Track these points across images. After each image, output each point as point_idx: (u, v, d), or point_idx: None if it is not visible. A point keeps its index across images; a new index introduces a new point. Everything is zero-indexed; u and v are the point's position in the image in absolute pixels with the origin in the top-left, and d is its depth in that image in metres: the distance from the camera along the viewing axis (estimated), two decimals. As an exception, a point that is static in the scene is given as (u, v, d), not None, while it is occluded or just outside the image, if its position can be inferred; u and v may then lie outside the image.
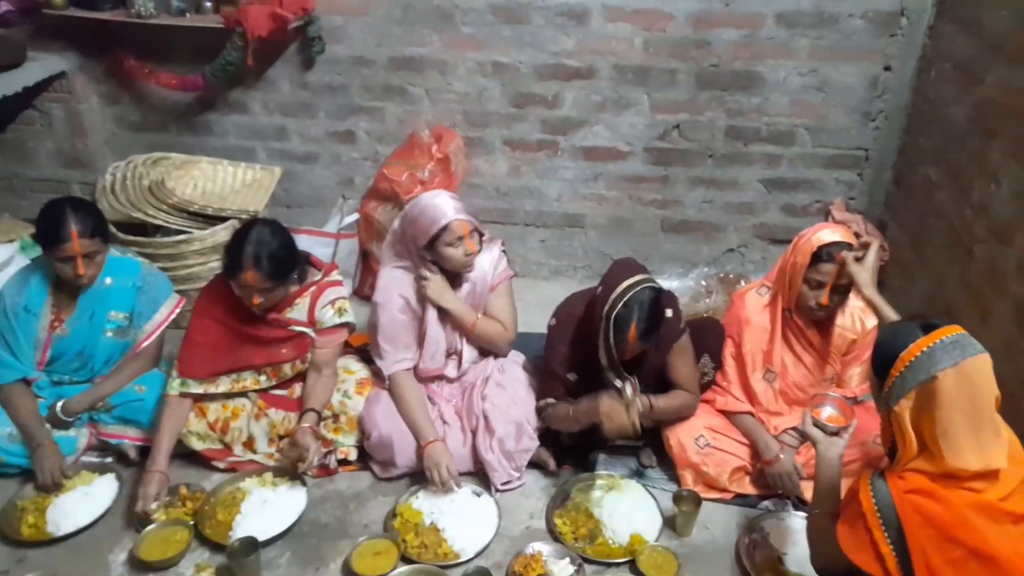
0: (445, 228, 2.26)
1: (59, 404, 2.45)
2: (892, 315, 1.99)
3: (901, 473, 1.48)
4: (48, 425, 2.45)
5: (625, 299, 2.08)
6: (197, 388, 2.33)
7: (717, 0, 3.02)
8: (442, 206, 2.28)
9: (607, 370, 2.18)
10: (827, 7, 2.97)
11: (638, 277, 2.11)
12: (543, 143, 3.41)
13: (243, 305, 2.31)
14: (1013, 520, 1.42)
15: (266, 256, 2.19)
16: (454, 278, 2.42)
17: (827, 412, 1.94)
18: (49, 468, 2.31)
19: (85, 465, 2.48)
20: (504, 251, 2.53)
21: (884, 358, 1.51)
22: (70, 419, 2.47)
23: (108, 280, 2.46)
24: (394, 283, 2.42)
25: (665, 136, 3.32)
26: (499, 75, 3.29)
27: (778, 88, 3.14)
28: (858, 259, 2.10)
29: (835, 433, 1.87)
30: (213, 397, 2.42)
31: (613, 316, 2.09)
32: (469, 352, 2.52)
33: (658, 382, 2.33)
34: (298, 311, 2.39)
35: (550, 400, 2.37)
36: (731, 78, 3.16)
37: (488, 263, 2.46)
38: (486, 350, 2.56)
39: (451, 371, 2.53)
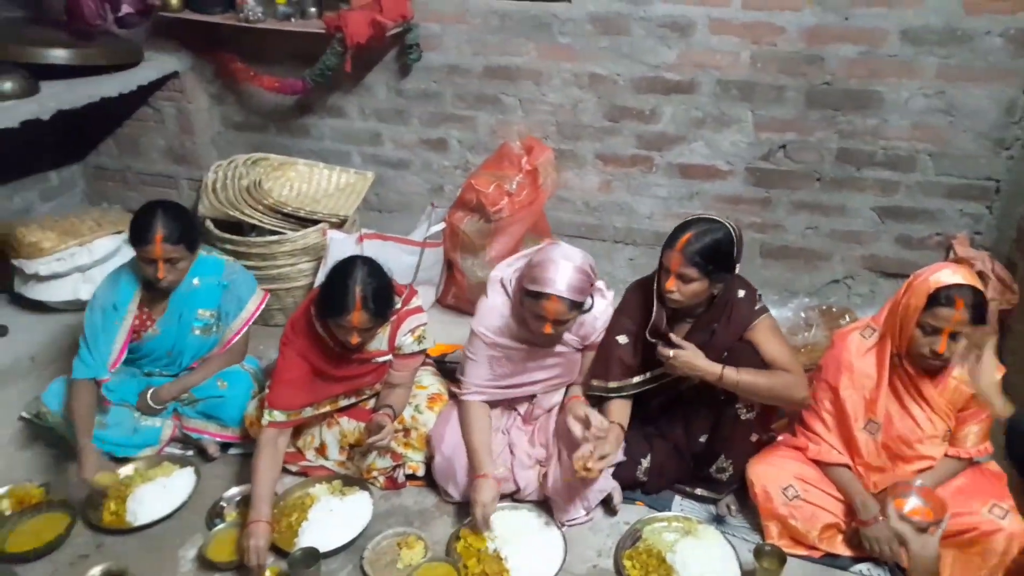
0: (537, 297, 2.08)
1: (150, 391, 2.54)
2: None
3: None
4: (136, 413, 2.54)
5: (691, 218, 2.12)
6: (281, 417, 2.29)
7: (834, 14, 2.81)
8: (554, 277, 2.05)
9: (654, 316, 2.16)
10: (960, 24, 2.70)
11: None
12: (637, 158, 3.28)
13: (326, 343, 2.30)
14: None
15: (371, 297, 2.15)
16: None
17: (912, 503, 1.74)
18: (91, 464, 2.27)
19: (167, 457, 2.56)
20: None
21: None
22: (159, 407, 2.55)
23: (195, 281, 2.52)
24: (493, 314, 2.28)
25: (769, 156, 3.12)
26: (595, 87, 3.19)
27: (898, 109, 2.90)
28: None
29: (925, 529, 1.66)
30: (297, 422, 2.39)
31: (674, 228, 2.11)
32: (544, 400, 2.43)
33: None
34: (379, 340, 2.35)
35: (579, 397, 2.30)
36: (845, 97, 2.93)
37: (601, 319, 2.31)
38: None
39: (522, 409, 2.45)
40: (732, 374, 2.09)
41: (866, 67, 2.86)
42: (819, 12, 2.82)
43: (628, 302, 2.33)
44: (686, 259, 2.05)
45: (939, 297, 1.96)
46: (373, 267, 2.21)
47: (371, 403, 2.50)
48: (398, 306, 2.34)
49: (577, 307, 2.12)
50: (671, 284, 2.09)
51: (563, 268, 2.07)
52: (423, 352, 2.43)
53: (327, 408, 2.41)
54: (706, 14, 2.94)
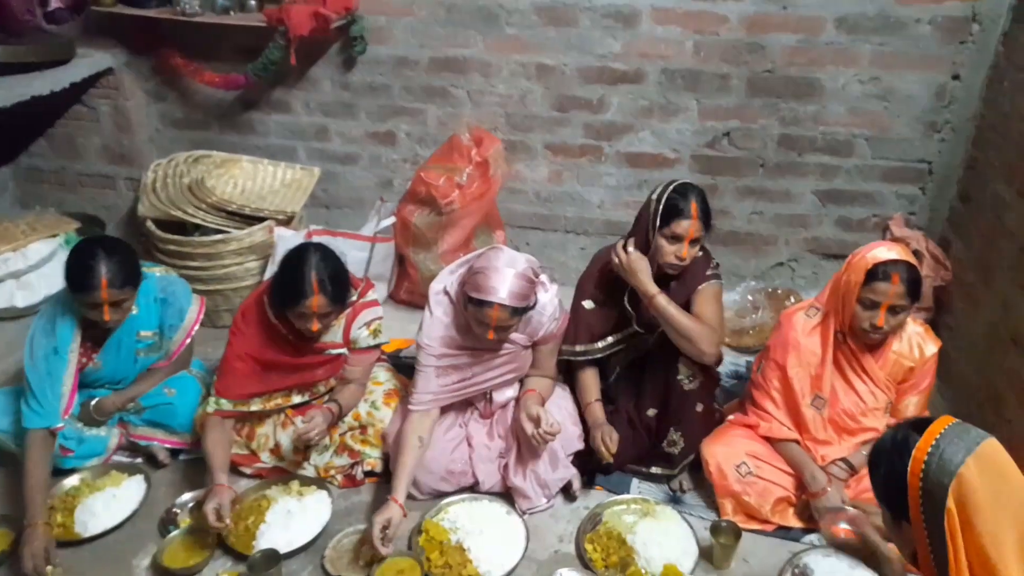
0: (480, 304, 2.06)
1: (93, 402, 2.44)
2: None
3: None
4: (79, 424, 2.45)
5: (672, 185, 2.20)
6: (228, 406, 2.26)
7: (773, 3, 2.88)
8: (497, 286, 2.02)
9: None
10: (892, 12, 2.80)
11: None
12: (586, 148, 3.31)
13: (279, 332, 2.25)
14: None
15: (329, 280, 2.12)
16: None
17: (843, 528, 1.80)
18: (34, 553, 2.02)
19: (115, 465, 2.48)
20: (560, 301, 2.35)
21: (892, 479, 1.27)
22: (102, 418, 2.47)
23: (133, 309, 2.38)
24: (436, 326, 2.23)
25: (714, 144, 3.19)
26: (543, 78, 3.20)
27: (836, 96, 2.99)
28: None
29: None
30: (245, 415, 2.35)
31: (666, 195, 2.17)
32: (499, 396, 2.42)
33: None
34: (333, 333, 2.32)
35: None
36: (786, 84, 3.01)
37: (547, 313, 2.27)
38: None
39: (479, 405, 2.44)
40: (663, 300, 2.18)
41: (805, 55, 2.94)
42: (759, 1, 2.89)
43: (594, 270, 2.40)
44: (701, 223, 2.17)
45: (877, 272, 2.04)
46: (326, 252, 2.19)
47: (325, 400, 2.46)
48: (355, 297, 2.31)
49: (520, 312, 2.12)
50: (686, 253, 2.18)
51: (505, 276, 2.04)
52: (379, 347, 2.41)
53: (278, 401, 2.37)
54: (650, 4, 2.97)
